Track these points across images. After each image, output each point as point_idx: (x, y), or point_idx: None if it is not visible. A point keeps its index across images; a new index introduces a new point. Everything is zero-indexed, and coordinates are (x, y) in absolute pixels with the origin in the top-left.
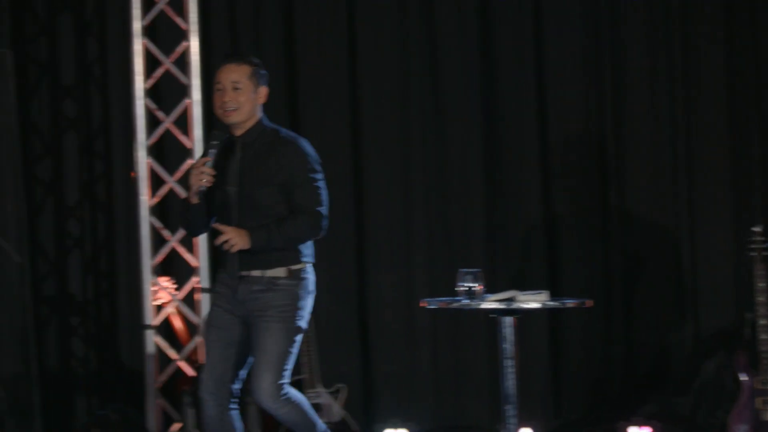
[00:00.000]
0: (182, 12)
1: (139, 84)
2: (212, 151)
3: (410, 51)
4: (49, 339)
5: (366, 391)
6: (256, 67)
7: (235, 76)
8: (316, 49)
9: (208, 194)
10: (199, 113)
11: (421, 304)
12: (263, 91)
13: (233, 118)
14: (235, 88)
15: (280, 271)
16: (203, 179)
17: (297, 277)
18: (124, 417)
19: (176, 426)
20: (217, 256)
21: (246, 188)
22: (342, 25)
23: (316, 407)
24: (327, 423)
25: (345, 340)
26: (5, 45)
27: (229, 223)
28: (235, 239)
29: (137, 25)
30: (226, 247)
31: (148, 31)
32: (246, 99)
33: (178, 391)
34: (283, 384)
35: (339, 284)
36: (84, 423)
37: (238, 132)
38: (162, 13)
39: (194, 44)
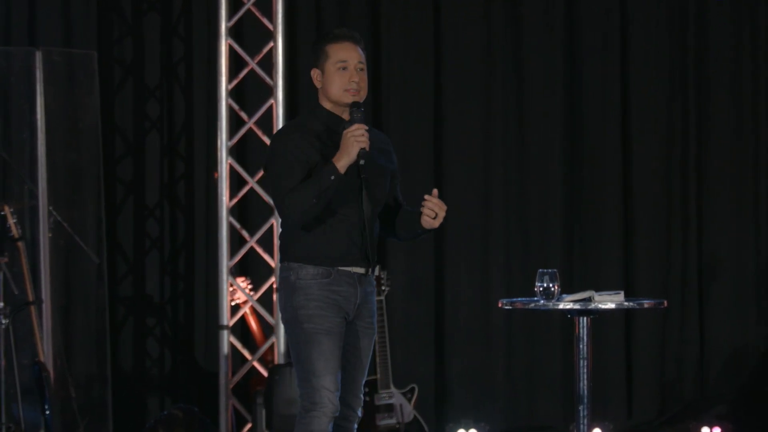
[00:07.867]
0: (269, 12)
1: (223, 84)
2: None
3: (494, 49)
4: (124, 340)
5: (439, 391)
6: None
7: (361, 56)
8: (401, 49)
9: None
10: (281, 114)
11: (499, 305)
12: None
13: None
14: (361, 69)
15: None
16: (364, 140)
17: None
18: (190, 415)
19: (247, 426)
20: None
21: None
22: (428, 24)
23: (389, 408)
24: (399, 423)
25: (419, 340)
26: (91, 46)
27: (361, 213)
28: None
29: (223, 26)
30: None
31: (234, 32)
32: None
33: (251, 391)
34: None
35: (415, 284)
36: (152, 422)
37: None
38: (248, 14)
39: (280, 45)
